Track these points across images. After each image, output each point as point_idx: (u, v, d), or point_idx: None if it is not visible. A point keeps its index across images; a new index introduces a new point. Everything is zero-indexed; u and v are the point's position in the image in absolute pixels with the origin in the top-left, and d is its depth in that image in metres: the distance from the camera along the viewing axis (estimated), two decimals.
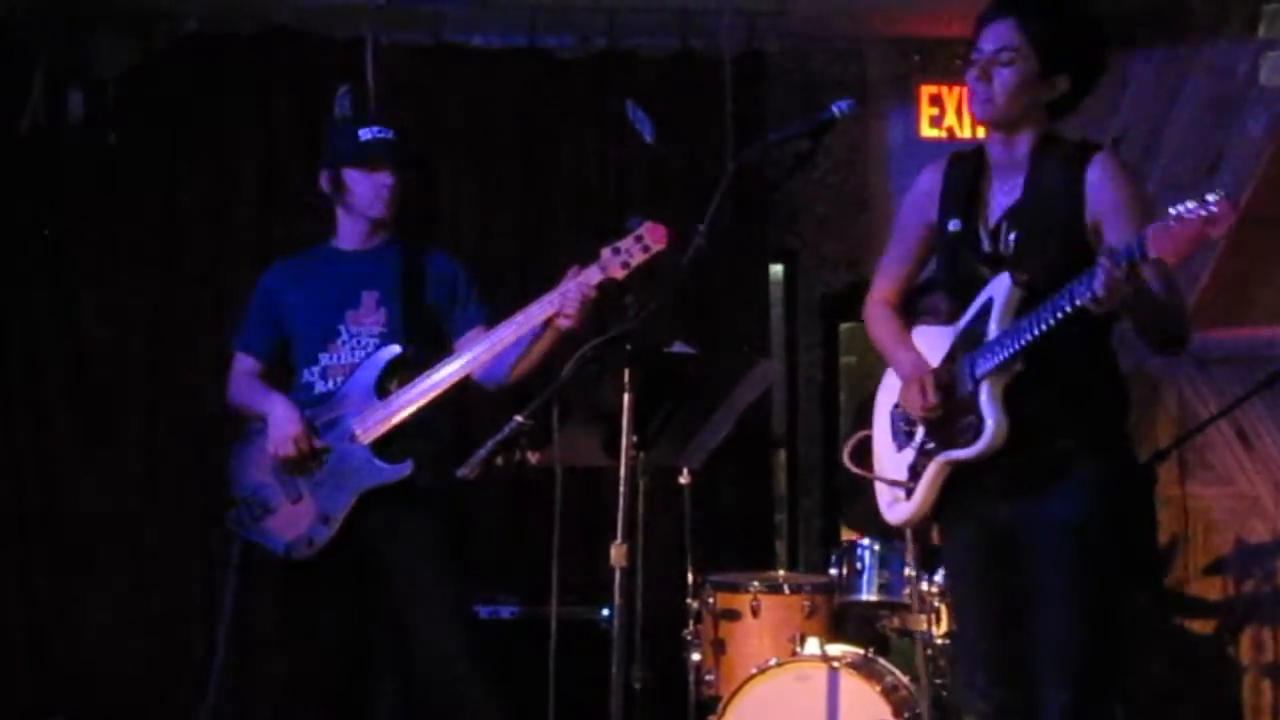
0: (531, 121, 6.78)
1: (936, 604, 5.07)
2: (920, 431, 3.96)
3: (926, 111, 7.25)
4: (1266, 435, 6.12)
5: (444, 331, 4.95)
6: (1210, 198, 3.27)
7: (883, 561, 5.22)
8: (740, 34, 6.74)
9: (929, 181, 4.04)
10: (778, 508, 7.18)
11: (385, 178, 4.90)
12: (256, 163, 6.62)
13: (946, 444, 3.86)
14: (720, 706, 5.03)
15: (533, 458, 3.99)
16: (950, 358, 3.90)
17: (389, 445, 4.77)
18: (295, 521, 4.82)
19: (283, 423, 4.81)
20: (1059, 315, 3.56)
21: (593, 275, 4.58)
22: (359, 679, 4.94)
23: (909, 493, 4.00)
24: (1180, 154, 6.34)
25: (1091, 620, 3.75)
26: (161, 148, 6.57)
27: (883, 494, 4.12)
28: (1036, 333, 3.62)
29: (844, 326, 7.28)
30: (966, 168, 3.98)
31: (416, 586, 4.80)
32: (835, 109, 3.82)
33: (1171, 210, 3.30)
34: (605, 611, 5.63)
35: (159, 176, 6.58)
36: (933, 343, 3.99)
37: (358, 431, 4.78)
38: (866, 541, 5.25)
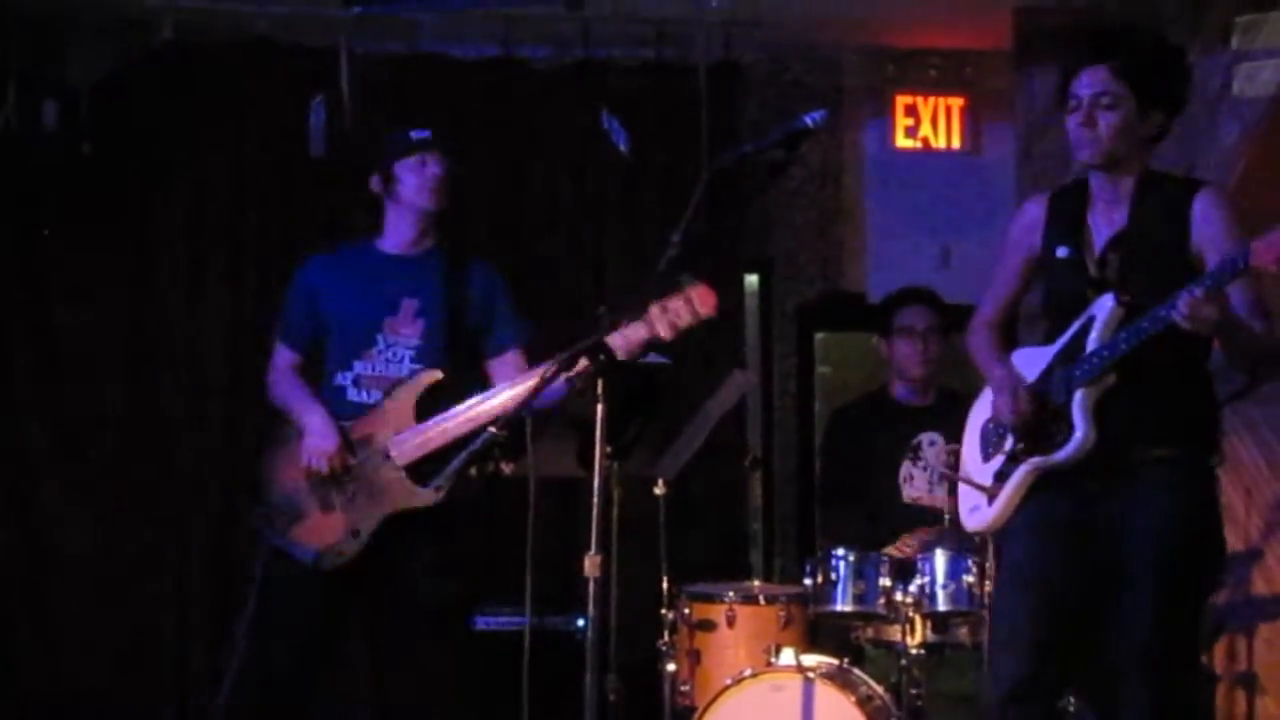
0: (507, 131, 6.78)
1: (910, 615, 5.09)
2: (1010, 441, 4.11)
3: (901, 122, 7.26)
4: (1239, 443, 6.13)
5: (479, 348, 4.93)
6: None
7: (858, 572, 5.22)
8: (716, 44, 6.74)
9: (1034, 212, 4.21)
10: (753, 517, 7.18)
11: (434, 167, 4.86)
12: (231, 172, 6.60)
13: (1036, 450, 4.02)
14: (695, 717, 5.02)
15: (506, 469, 3.99)
16: (1047, 373, 4.05)
17: (420, 467, 4.73)
18: (325, 531, 4.78)
19: (320, 437, 4.78)
20: (1148, 331, 3.78)
21: (639, 331, 4.47)
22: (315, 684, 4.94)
23: (991, 499, 4.14)
24: (1154, 165, 6.35)
25: (1172, 619, 3.93)
26: (135, 158, 6.55)
27: (964, 502, 4.27)
28: (1126, 346, 3.83)
29: (819, 336, 7.28)
30: (1071, 199, 4.14)
31: (420, 603, 4.79)
32: (809, 119, 3.83)
33: None
34: (580, 622, 5.62)
35: (133, 186, 6.56)
36: (1031, 361, 4.13)
37: (394, 453, 4.74)
38: (841, 552, 5.25)
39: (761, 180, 4.01)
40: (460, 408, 4.71)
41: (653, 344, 4.40)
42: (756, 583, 5.86)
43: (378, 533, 4.75)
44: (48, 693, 6.36)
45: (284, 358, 5.02)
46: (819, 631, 5.39)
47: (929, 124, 7.26)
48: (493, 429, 3.83)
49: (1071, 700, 5.13)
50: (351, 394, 4.86)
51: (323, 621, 4.87)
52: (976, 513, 4.23)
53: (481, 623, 5.78)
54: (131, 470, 6.47)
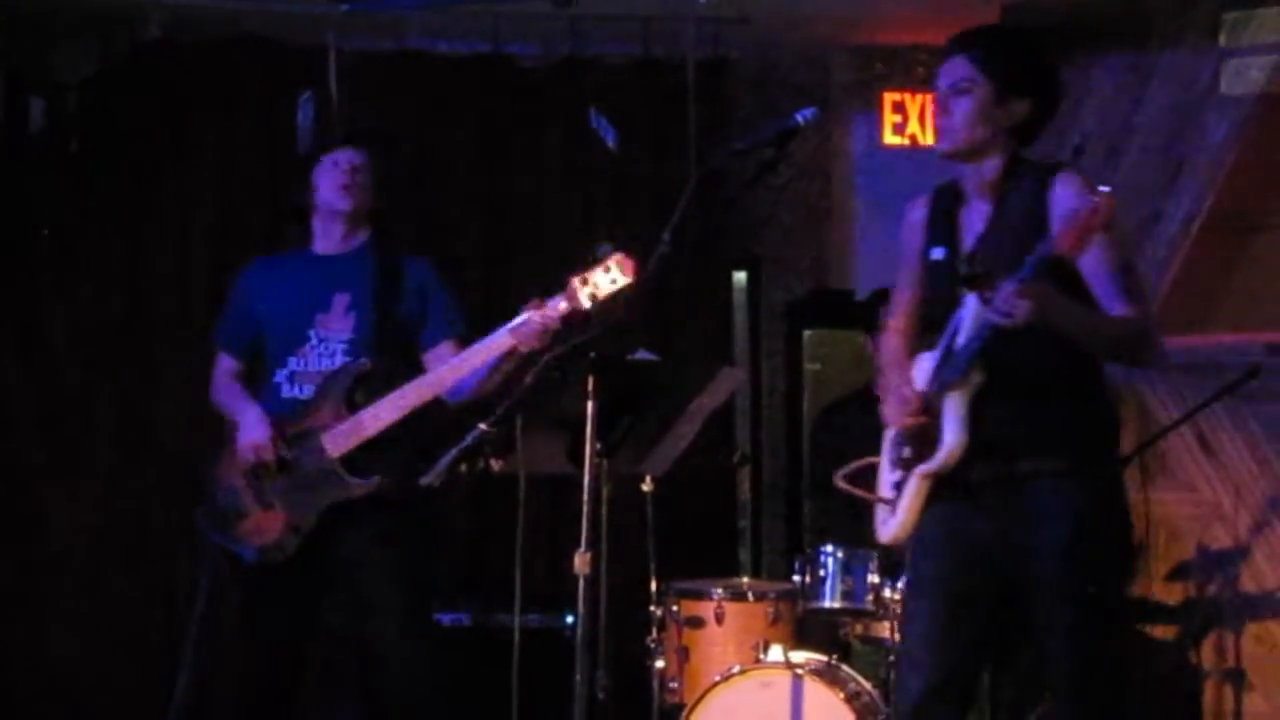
0: (495, 129, 6.77)
1: (898, 611, 5.09)
2: (907, 450, 4.01)
3: (889, 118, 7.27)
4: (1228, 442, 6.14)
5: (414, 343, 4.91)
6: (1102, 188, 3.50)
7: (846, 568, 5.23)
8: (704, 41, 6.74)
9: (914, 215, 4.11)
10: (741, 514, 7.19)
11: (344, 163, 4.87)
12: (219, 170, 6.60)
13: (920, 459, 3.92)
14: (684, 714, 5.03)
15: (496, 465, 3.99)
16: (932, 379, 3.95)
17: (358, 458, 4.74)
18: (267, 528, 4.78)
19: (250, 429, 4.80)
20: (984, 330, 3.68)
21: (558, 305, 4.51)
22: (298, 685, 4.93)
23: (895, 508, 4.04)
24: (1142, 162, 6.37)
25: (1084, 638, 3.83)
26: (124, 155, 6.54)
27: (878, 514, 4.16)
28: (977, 344, 3.72)
29: (807, 334, 7.28)
30: (947, 198, 4.05)
31: (378, 600, 4.77)
32: (799, 117, 3.83)
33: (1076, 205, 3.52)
34: (569, 619, 5.62)
35: (121, 183, 6.55)
36: (928, 367, 4.03)
37: (327, 445, 4.73)
38: (830, 548, 5.26)
39: (750, 178, 3.99)
40: (391, 395, 4.71)
41: (574, 316, 4.40)
42: (745, 579, 5.87)
43: (323, 529, 4.75)
44: (45, 692, 6.35)
45: (224, 365, 5.06)
46: (807, 628, 5.40)
47: (917, 121, 7.26)
48: (483, 425, 3.83)
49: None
50: (286, 390, 4.86)
51: (278, 620, 4.87)
52: (886, 525, 4.09)
53: (470, 620, 5.79)
54: (126, 465, 6.46)
